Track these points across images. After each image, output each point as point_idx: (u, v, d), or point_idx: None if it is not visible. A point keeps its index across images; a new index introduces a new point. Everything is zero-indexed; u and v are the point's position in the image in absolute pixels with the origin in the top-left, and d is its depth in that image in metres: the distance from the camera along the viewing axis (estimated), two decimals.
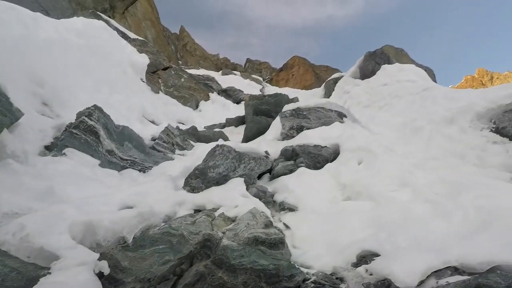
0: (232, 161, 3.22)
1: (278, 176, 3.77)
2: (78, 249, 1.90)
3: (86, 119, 3.10)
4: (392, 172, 2.98)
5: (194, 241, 2.25)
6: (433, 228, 2.01)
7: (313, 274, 2.14)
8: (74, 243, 1.93)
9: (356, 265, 2.19)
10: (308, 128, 4.40)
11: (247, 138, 5.59)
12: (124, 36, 6.27)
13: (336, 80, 9.07)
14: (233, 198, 2.78)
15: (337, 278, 2.13)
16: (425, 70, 7.40)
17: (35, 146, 2.66)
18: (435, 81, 8.22)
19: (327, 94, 9.35)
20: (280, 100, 6.33)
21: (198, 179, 3.02)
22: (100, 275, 1.94)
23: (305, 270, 2.18)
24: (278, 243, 2.25)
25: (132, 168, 3.39)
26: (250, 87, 10.85)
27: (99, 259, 2.00)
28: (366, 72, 8.47)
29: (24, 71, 3.01)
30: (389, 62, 7.63)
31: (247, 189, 3.18)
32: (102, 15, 6.70)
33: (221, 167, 3.11)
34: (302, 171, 3.58)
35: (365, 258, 2.18)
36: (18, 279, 1.66)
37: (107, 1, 12.21)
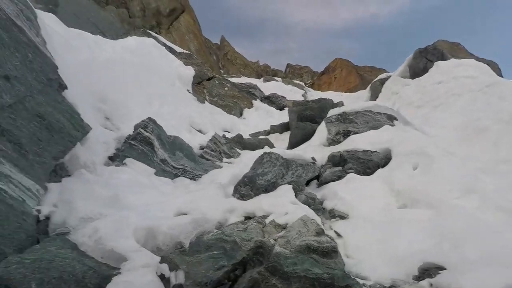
0: (280, 168, 3.24)
1: (326, 182, 3.69)
2: (142, 252, 2.04)
3: (142, 131, 3.34)
4: (453, 177, 2.76)
5: (246, 247, 2.29)
6: (509, 239, 1.82)
7: (370, 286, 2.05)
8: (138, 246, 2.08)
9: (418, 278, 2.05)
10: (355, 133, 4.27)
11: (292, 145, 5.57)
12: (171, 50, 6.69)
13: (383, 81, 8.68)
14: (282, 205, 2.78)
15: None
16: (488, 64, 6.74)
17: (101, 157, 2.93)
18: (501, 75, 7.46)
19: (374, 96, 8.98)
20: (325, 105, 6.23)
21: (247, 187, 3.07)
22: (161, 277, 2.05)
23: (361, 281, 2.10)
24: (331, 252, 2.20)
25: (184, 176, 3.56)
26: (292, 92, 10.82)
27: (160, 262, 2.12)
28: (417, 70, 7.98)
29: (90, 89, 3.34)
30: (443, 58, 7.11)
31: (296, 196, 3.16)
32: (151, 32, 7.23)
33: (269, 174, 3.14)
34: (352, 177, 3.47)
35: (428, 271, 2.04)
36: (94, 277, 1.83)
37: (153, 19, 13.10)
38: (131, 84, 4.32)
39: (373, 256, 2.38)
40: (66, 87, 2.52)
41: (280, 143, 5.98)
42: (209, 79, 7.26)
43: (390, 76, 8.68)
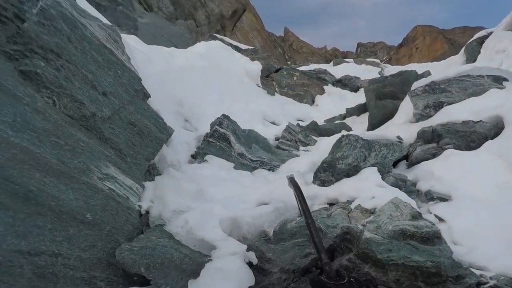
0: (361, 150, 3.00)
1: (418, 162, 3.29)
2: (229, 240, 2.12)
3: (218, 127, 3.49)
4: None
5: (332, 234, 2.18)
6: None
7: (490, 278, 1.72)
8: (225, 235, 2.17)
9: None
10: (449, 103, 3.69)
11: (372, 126, 5.15)
12: (237, 49, 6.90)
13: (481, 40, 7.29)
14: (368, 189, 2.57)
15: None
16: None
17: (184, 156, 3.18)
18: None
19: (470, 59, 7.65)
20: (407, 78, 5.58)
21: (327, 172, 2.94)
22: (249, 264, 2.11)
23: (477, 272, 1.78)
24: (433, 238, 1.93)
25: (262, 168, 3.61)
26: (367, 71, 10.01)
27: (247, 250, 2.17)
28: None
29: (168, 96, 3.65)
30: None
31: (383, 178, 2.90)
32: (217, 35, 7.60)
33: (350, 158, 2.94)
34: (450, 153, 3.01)
35: None
36: (190, 263, 1.98)
37: (218, 24, 13.72)
38: (203, 86, 4.59)
39: (490, 243, 2.01)
40: (149, 96, 2.80)
41: (358, 126, 5.59)
42: (276, 71, 7.24)
43: (491, 33, 7.24)
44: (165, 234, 2.10)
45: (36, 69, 1.98)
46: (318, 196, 2.71)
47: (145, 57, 3.63)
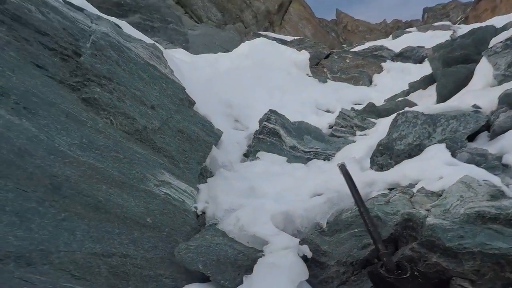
0: (423, 127, 2.67)
1: (503, 131, 2.78)
2: (281, 235, 2.10)
3: (266, 123, 3.49)
4: None
5: (392, 222, 1.99)
6: None
7: None
8: (277, 230, 2.16)
9: None
10: None
11: (442, 97, 4.54)
12: (282, 42, 6.80)
13: None
14: (434, 169, 2.26)
15: None
16: None
17: (236, 156, 3.26)
18: None
19: None
20: (482, 36, 4.77)
21: (384, 155, 2.69)
22: (304, 258, 2.05)
23: None
24: None
25: (316, 158, 3.49)
26: (434, 38, 8.84)
27: (301, 244, 2.12)
28: None
29: (217, 99, 3.78)
30: None
31: (454, 155, 2.52)
32: (261, 32, 7.62)
33: (410, 137, 2.63)
34: None
35: None
36: (245, 259, 2.03)
37: (266, 21, 13.74)
38: (251, 84, 4.64)
39: None
40: (194, 103, 2.95)
41: (426, 100, 4.98)
42: (326, 57, 6.92)
43: None
44: (218, 232, 2.18)
45: (94, 95, 2.26)
46: (376, 182, 2.50)
47: (191, 66, 3.84)
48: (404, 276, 1.45)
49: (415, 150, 2.62)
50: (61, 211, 1.82)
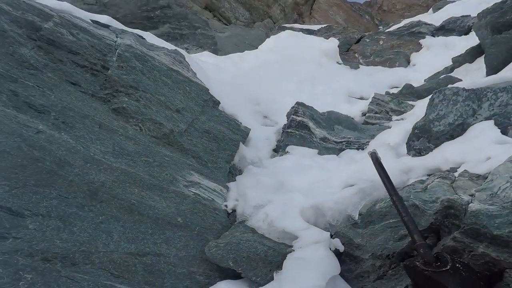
0: (465, 104, 2.41)
1: None
2: (311, 229, 2.05)
3: (294, 117, 3.42)
4: None
5: (432, 210, 1.82)
6: None
7: None
8: (307, 224, 2.10)
9: None
10: None
11: (493, 69, 4.06)
12: (308, 32, 6.61)
13: None
14: (480, 149, 2.03)
15: None
16: None
17: (265, 152, 3.24)
18: None
19: None
20: None
21: (421, 139, 2.48)
22: (337, 252, 1.97)
23: None
24: None
25: (349, 148, 3.33)
26: (483, 4, 7.94)
27: (332, 237, 2.05)
28: None
29: (244, 97, 3.80)
30: None
31: (505, 132, 2.24)
32: (286, 25, 7.46)
33: (450, 116, 2.39)
34: None
35: None
36: (275, 255, 2.01)
37: (294, 13, 13.49)
38: (278, 79, 4.58)
39: None
40: (219, 103, 2.98)
41: (473, 75, 4.50)
42: (358, 42, 6.58)
43: None
44: (248, 229, 2.19)
45: (123, 105, 2.40)
46: (413, 168, 2.31)
47: (215, 67, 3.89)
48: (444, 269, 1.32)
49: (457, 131, 2.37)
50: (99, 215, 1.96)
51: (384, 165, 2.23)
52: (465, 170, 1.90)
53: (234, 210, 2.49)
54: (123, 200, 2.07)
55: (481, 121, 2.34)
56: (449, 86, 2.58)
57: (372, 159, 2.13)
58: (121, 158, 2.21)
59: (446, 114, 2.39)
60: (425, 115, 2.51)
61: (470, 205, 1.55)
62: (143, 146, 2.37)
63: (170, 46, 3.13)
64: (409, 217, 1.61)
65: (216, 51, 7.51)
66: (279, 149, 3.34)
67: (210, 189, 2.47)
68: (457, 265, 1.32)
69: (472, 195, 1.65)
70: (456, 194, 1.75)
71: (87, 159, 2.08)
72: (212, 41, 7.75)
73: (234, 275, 2.08)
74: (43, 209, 1.81)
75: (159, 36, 8.35)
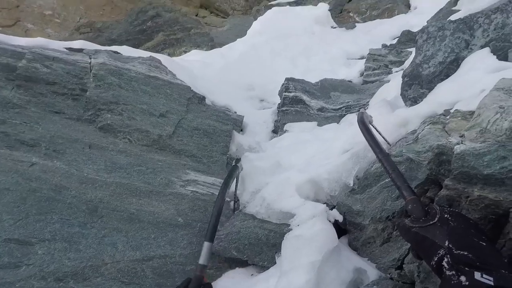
0: (454, 37, 2.18)
1: None
2: (306, 204, 1.99)
3: (286, 93, 3.32)
4: None
5: (426, 161, 1.68)
6: None
7: None
8: (303, 201, 2.04)
9: None
10: None
11: None
12: (296, 3, 6.33)
13: None
14: (473, 82, 1.83)
15: None
16: None
17: (263, 135, 3.19)
18: None
19: None
20: None
21: (414, 86, 2.29)
22: (336, 223, 1.90)
23: None
24: None
25: (350, 113, 3.18)
26: None
27: (331, 209, 1.97)
28: None
29: (236, 86, 3.74)
30: None
31: (506, 57, 1.99)
32: (272, 2, 7.19)
33: (439, 55, 2.17)
34: None
35: None
36: (277, 237, 1.98)
37: None
38: (271, 59, 4.45)
39: None
40: (204, 98, 2.97)
41: (479, 2, 4.05)
42: (350, 0, 6.19)
43: None
44: (247, 216, 2.17)
45: (107, 121, 2.47)
46: (409, 120, 2.13)
47: (201, 64, 3.86)
48: (431, 223, 1.21)
49: (452, 68, 2.15)
50: (101, 229, 2.05)
51: (374, 123, 2.09)
52: (456, 109, 1.71)
53: (238, 200, 2.49)
54: (122, 212, 2.15)
55: (476, 51, 2.09)
56: (433, 22, 2.33)
57: (357, 120, 2.01)
58: (114, 172, 2.29)
59: (434, 54, 2.17)
60: (412, 60, 2.30)
61: (455, 147, 1.40)
62: (134, 156, 2.43)
63: (145, 54, 3.15)
64: (397, 172, 1.50)
65: (214, 47, 7.47)
66: (277, 130, 3.28)
67: (208, 184, 2.48)
68: (446, 215, 1.20)
69: (462, 136, 1.49)
70: (447, 139, 1.59)
71: (81, 180, 2.18)
72: (208, 38, 7.71)
73: (242, 264, 2.08)
74: (48, 234, 1.92)
75: (155, 46, 8.45)
